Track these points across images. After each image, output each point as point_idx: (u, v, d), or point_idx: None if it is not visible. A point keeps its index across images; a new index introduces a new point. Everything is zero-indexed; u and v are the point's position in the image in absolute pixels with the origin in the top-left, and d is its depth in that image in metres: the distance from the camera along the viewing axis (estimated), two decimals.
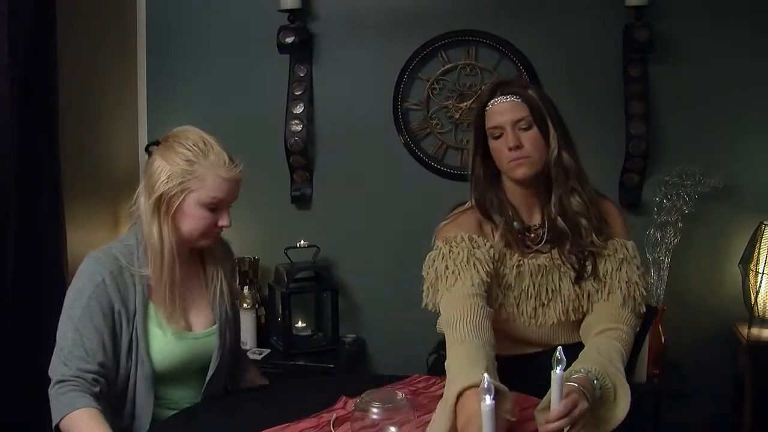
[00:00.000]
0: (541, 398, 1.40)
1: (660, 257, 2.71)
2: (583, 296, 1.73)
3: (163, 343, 1.67)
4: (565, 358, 1.30)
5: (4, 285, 2.18)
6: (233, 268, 1.94)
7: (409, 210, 2.96)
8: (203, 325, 1.76)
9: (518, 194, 1.77)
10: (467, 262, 1.64)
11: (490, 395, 1.15)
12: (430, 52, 2.93)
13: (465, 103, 2.92)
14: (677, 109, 2.81)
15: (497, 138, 1.71)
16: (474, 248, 1.67)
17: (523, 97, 1.69)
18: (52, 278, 2.29)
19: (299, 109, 2.98)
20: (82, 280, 1.63)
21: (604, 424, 1.45)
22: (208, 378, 1.75)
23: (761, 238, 2.62)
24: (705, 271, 2.84)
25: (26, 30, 2.21)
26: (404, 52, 2.93)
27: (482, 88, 2.70)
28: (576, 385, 1.38)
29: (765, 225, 2.63)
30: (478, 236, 1.71)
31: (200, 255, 1.79)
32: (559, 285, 1.74)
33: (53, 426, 1.56)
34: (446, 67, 2.93)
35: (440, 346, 1.80)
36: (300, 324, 2.97)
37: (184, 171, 1.63)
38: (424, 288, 1.71)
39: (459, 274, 1.63)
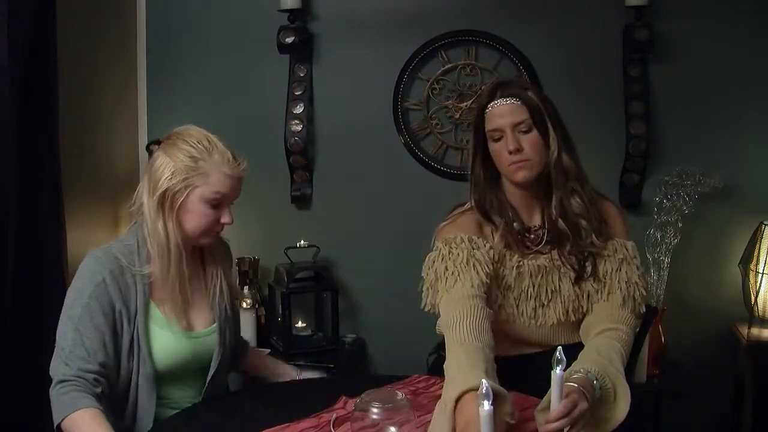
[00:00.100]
0: (541, 398, 1.40)
1: (660, 257, 2.71)
2: (582, 297, 1.73)
3: (165, 342, 1.67)
4: (565, 359, 1.30)
5: (4, 285, 2.18)
6: (232, 267, 1.95)
7: (409, 210, 2.96)
8: (203, 325, 1.76)
9: (518, 195, 1.77)
10: (467, 264, 1.64)
11: (488, 401, 1.15)
12: (430, 52, 2.93)
13: (465, 103, 2.92)
14: (677, 109, 2.81)
15: (497, 140, 1.70)
16: (474, 249, 1.67)
17: (523, 99, 1.69)
18: (52, 278, 2.28)
19: (299, 109, 2.98)
20: (82, 279, 1.63)
21: (604, 424, 1.45)
22: (209, 377, 1.75)
23: (761, 238, 2.62)
24: (705, 271, 2.84)
25: (26, 30, 2.21)
26: (404, 52, 2.93)
27: (482, 88, 2.70)
28: (576, 385, 1.39)
29: (765, 225, 2.63)
30: (478, 237, 1.71)
31: (200, 254, 1.79)
32: (559, 286, 1.74)
33: (55, 426, 1.56)
34: (446, 67, 2.93)
35: (440, 347, 1.80)
36: (300, 324, 2.97)
37: (188, 167, 1.64)
38: (424, 289, 1.71)
39: (458, 275, 1.63)
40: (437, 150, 2.99)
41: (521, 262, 1.73)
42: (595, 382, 1.44)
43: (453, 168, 2.94)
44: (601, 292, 1.72)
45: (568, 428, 1.33)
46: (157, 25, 3.10)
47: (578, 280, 1.73)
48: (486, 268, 1.65)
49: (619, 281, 1.71)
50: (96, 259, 1.65)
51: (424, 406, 1.60)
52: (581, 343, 1.70)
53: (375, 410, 1.35)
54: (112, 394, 1.62)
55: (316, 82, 3.02)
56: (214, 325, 1.77)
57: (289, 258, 2.91)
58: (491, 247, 1.71)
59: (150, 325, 1.67)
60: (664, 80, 2.80)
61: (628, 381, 1.51)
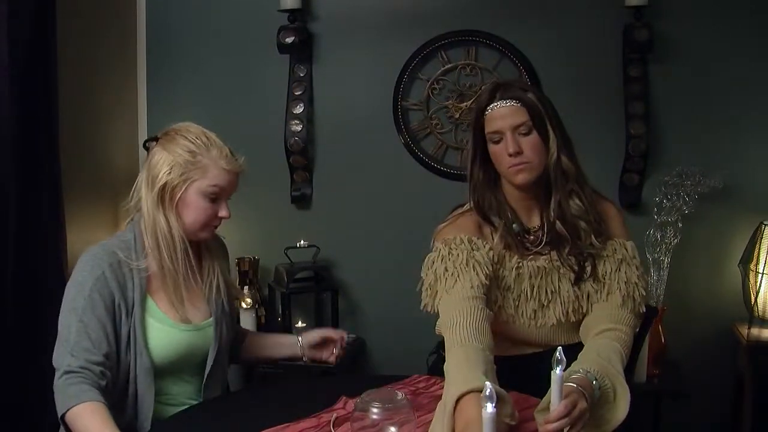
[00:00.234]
0: (541, 399, 1.40)
1: (660, 257, 2.71)
2: (582, 297, 1.73)
3: (161, 335, 1.69)
4: (564, 359, 1.30)
5: (4, 285, 2.18)
6: (229, 265, 1.96)
7: (409, 210, 2.96)
8: (200, 319, 1.78)
9: (517, 197, 1.77)
10: (467, 264, 1.64)
11: (492, 403, 1.15)
12: (430, 52, 2.93)
13: (465, 103, 2.92)
14: (677, 109, 2.81)
15: (497, 143, 1.70)
16: (473, 250, 1.67)
17: (523, 101, 1.68)
18: (52, 278, 2.29)
19: (299, 109, 2.98)
20: (83, 273, 1.65)
21: (603, 424, 1.45)
22: (206, 373, 1.77)
23: (761, 238, 2.62)
24: (705, 271, 2.84)
25: (26, 30, 2.21)
26: (404, 52, 2.93)
27: (482, 88, 2.69)
28: (575, 385, 1.38)
29: (765, 225, 2.63)
30: (478, 238, 1.71)
31: (196, 249, 1.80)
32: (559, 286, 1.74)
33: (59, 417, 1.57)
34: (446, 67, 2.93)
35: (440, 347, 1.80)
36: (300, 324, 2.97)
37: (186, 162, 1.67)
38: (423, 289, 1.71)
39: (458, 276, 1.63)
40: (437, 150, 2.99)
41: (521, 263, 1.73)
42: (594, 382, 1.44)
43: (453, 168, 2.94)
44: (601, 293, 1.72)
45: (567, 428, 1.33)
46: (157, 25, 3.10)
47: (578, 280, 1.73)
48: (486, 269, 1.65)
49: (618, 281, 1.70)
50: (94, 254, 1.68)
51: (424, 406, 1.60)
52: (581, 343, 1.70)
53: (375, 410, 1.35)
54: (114, 388, 1.63)
55: (316, 82, 3.02)
56: (211, 319, 1.79)
57: (289, 258, 2.91)
58: (491, 248, 1.70)
59: (147, 318, 1.69)
60: (664, 80, 2.80)
61: (628, 381, 1.51)
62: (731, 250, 2.78)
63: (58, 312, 1.65)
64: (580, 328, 1.74)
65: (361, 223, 3.04)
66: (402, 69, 2.94)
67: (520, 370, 1.64)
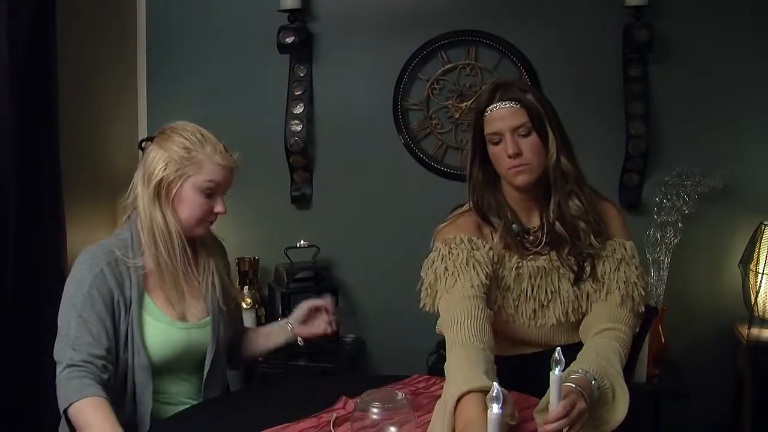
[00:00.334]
0: (541, 399, 1.40)
1: (660, 257, 2.71)
2: (582, 297, 1.73)
3: (158, 332, 1.70)
4: (563, 359, 1.30)
5: (4, 285, 2.18)
6: (228, 266, 1.96)
7: (409, 210, 2.96)
8: (197, 317, 1.79)
9: (516, 198, 1.77)
10: (467, 264, 1.64)
11: (498, 404, 1.15)
12: (430, 52, 2.93)
13: (465, 103, 2.92)
14: (677, 109, 2.81)
15: (496, 144, 1.70)
16: (473, 250, 1.67)
17: (523, 102, 1.68)
18: (52, 278, 2.29)
19: (299, 109, 2.98)
20: (81, 271, 1.66)
21: (603, 424, 1.45)
22: (206, 372, 1.77)
23: (761, 238, 2.62)
24: (705, 271, 2.84)
25: (26, 30, 2.21)
26: (404, 52, 2.93)
27: (482, 88, 2.69)
28: (574, 385, 1.38)
29: (765, 225, 2.63)
30: (477, 238, 1.71)
31: (192, 247, 1.81)
32: (558, 286, 1.74)
33: (61, 411, 1.57)
34: (446, 67, 2.93)
35: (440, 346, 1.81)
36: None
37: (182, 157, 1.69)
38: (423, 289, 1.71)
39: (458, 275, 1.63)
40: (437, 150, 2.99)
41: (520, 264, 1.73)
42: (593, 382, 1.44)
43: (453, 168, 2.94)
44: (600, 292, 1.72)
45: (566, 429, 1.33)
46: (157, 25, 3.10)
47: (577, 281, 1.73)
48: (486, 268, 1.65)
49: (617, 281, 1.70)
50: (93, 253, 1.69)
51: (424, 406, 1.59)
52: (581, 343, 1.69)
53: (375, 410, 1.35)
54: (113, 384, 1.64)
55: (316, 82, 3.02)
56: (208, 318, 1.79)
57: (289, 258, 2.91)
58: (491, 248, 1.70)
59: (144, 316, 1.70)
60: (664, 80, 2.80)
61: (628, 381, 1.51)
62: (731, 250, 2.78)
63: (58, 312, 1.65)
64: (580, 328, 1.74)
65: (361, 223, 3.04)
66: (402, 69, 2.94)
67: (519, 370, 1.64)
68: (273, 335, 1.98)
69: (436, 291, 1.67)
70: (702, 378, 2.77)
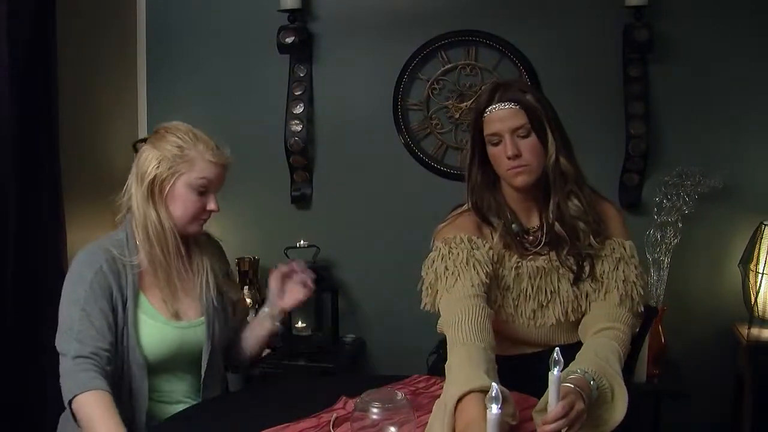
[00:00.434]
0: (540, 398, 1.40)
1: (660, 257, 2.71)
2: (581, 297, 1.73)
3: (153, 331, 1.71)
4: (562, 359, 1.30)
5: (4, 285, 2.18)
6: (227, 266, 1.97)
7: (409, 210, 2.96)
8: (192, 316, 1.80)
9: (516, 198, 1.77)
10: (467, 263, 1.64)
11: (497, 404, 1.15)
12: (430, 52, 2.93)
13: (465, 103, 2.92)
14: (677, 109, 2.81)
15: (496, 145, 1.70)
16: (473, 249, 1.67)
17: (522, 103, 1.68)
18: (52, 278, 2.29)
19: (299, 109, 2.98)
20: (81, 267, 1.68)
21: (602, 425, 1.45)
22: (203, 370, 1.78)
23: (761, 238, 2.62)
24: (705, 271, 2.84)
25: (26, 30, 2.22)
26: (404, 52, 2.93)
27: (482, 88, 2.69)
28: (572, 386, 1.38)
29: (765, 225, 2.63)
30: (477, 237, 1.71)
31: (186, 246, 1.81)
32: (558, 286, 1.74)
33: (66, 402, 1.58)
34: (446, 67, 2.93)
35: (440, 346, 1.80)
36: (300, 324, 2.97)
37: (174, 156, 1.71)
38: (423, 288, 1.71)
39: (459, 275, 1.63)
40: (437, 150, 2.99)
41: (520, 263, 1.73)
42: (592, 382, 1.44)
43: (453, 168, 2.94)
44: (599, 292, 1.72)
45: (565, 429, 1.33)
46: (157, 25, 3.10)
47: (576, 280, 1.73)
48: (486, 268, 1.65)
49: (616, 280, 1.70)
50: (91, 250, 1.71)
51: (424, 406, 1.59)
52: (581, 342, 1.69)
53: (375, 410, 1.35)
54: (113, 379, 1.65)
55: (316, 82, 3.02)
56: (203, 317, 1.79)
57: (289, 258, 2.91)
58: (491, 248, 1.71)
59: (139, 315, 1.71)
60: (664, 80, 2.79)
61: (628, 381, 1.51)
62: (731, 250, 2.78)
63: (59, 308, 1.66)
64: (579, 327, 1.74)
65: (361, 223, 3.04)
66: (402, 69, 2.94)
67: (519, 370, 1.64)
68: (258, 324, 1.97)
69: (437, 290, 1.67)
70: (702, 378, 2.77)
